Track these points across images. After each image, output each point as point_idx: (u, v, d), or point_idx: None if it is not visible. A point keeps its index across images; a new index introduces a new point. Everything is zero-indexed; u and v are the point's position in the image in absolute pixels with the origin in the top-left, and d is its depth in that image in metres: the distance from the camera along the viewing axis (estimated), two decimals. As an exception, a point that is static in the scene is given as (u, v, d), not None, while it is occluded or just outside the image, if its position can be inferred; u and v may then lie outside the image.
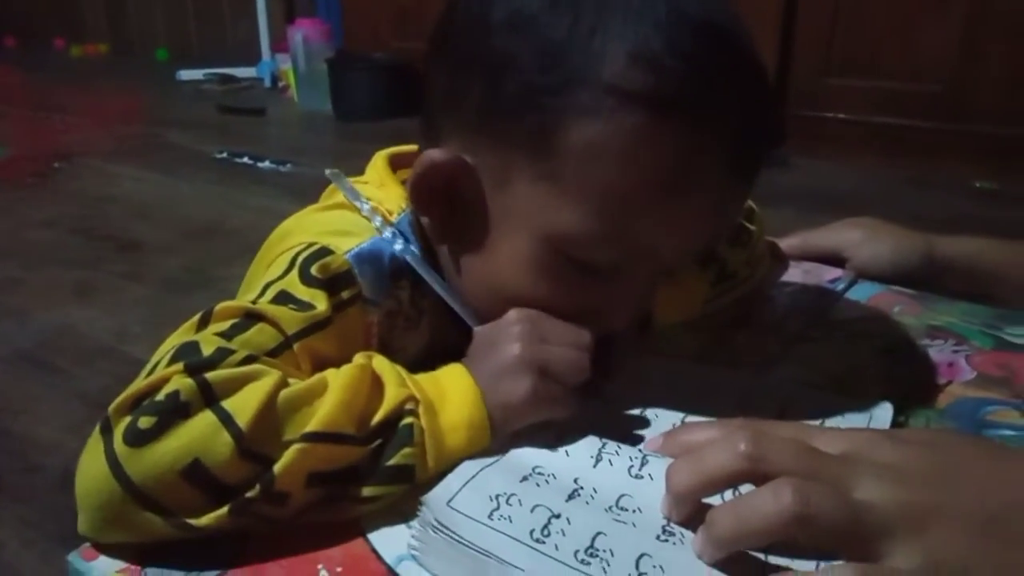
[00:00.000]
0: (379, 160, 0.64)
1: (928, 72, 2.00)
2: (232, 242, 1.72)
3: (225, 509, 0.42)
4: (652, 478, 0.48)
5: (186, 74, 3.32)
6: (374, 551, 0.44)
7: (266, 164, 2.22)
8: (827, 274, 0.78)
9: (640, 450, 0.50)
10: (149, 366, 0.47)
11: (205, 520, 0.43)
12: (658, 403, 0.56)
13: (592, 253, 0.52)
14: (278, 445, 0.44)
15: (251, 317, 0.50)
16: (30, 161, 2.24)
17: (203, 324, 0.50)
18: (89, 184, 2.12)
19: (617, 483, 0.48)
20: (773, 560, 0.42)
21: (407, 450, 0.47)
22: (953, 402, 0.59)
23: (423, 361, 0.54)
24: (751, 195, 0.56)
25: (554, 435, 0.51)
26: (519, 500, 0.46)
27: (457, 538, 0.43)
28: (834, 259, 0.81)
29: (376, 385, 0.49)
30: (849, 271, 0.79)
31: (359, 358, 0.50)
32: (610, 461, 0.50)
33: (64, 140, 2.41)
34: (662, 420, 0.55)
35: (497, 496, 0.46)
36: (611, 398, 0.56)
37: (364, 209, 0.57)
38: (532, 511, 0.45)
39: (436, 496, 0.46)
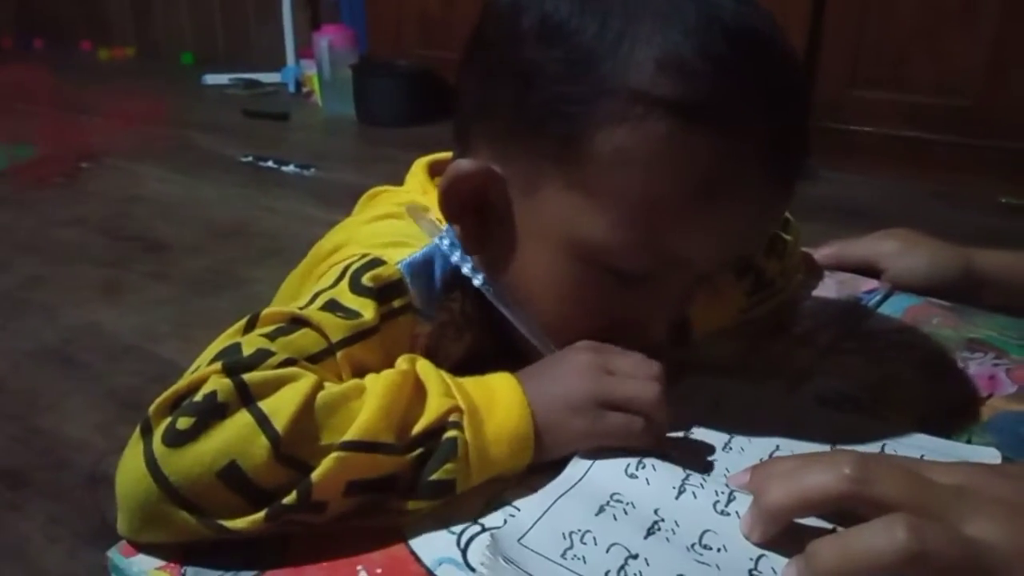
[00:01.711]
0: (419, 168, 0.64)
1: (955, 86, 1.99)
2: (257, 244, 1.73)
3: (261, 515, 0.42)
4: (739, 516, 0.45)
5: (211, 78, 3.34)
6: (414, 554, 0.44)
7: (290, 168, 2.23)
8: (863, 285, 0.78)
9: (727, 484, 0.48)
10: (193, 367, 0.47)
11: (241, 523, 0.42)
12: (706, 425, 0.55)
13: (623, 262, 0.51)
14: (316, 450, 0.43)
15: (296, 322, 0.49)
16: (57, 161, 2.26)
17: (249, 328, 0.50)
18: (115, 184, 2.14)
19: (701, 518, 0.45)
20: None
21: (450, 465, 0.46)
22: (995, 416, 0.58)
23: (460, 366, 0.54)
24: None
25: (635, 462, 0.49)
26: (594, 538, 0.43)
27: (527, 574, 0.41)
28: (870, 270, 0.80)
29: (418, 391, 0.48)
30: (885, 283, 0.78)
31: (402, 362, 0.50)
32: (694, 494, 0.47)
33: (91, 141, 2.43)
34: (714, 443, 0.53)
35: (571, 533, 0.44)
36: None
37: (443, 246, 0.56)
38: (608, 551, 0.43)
39: (507, 532, 0.44)
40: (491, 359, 0.54)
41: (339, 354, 0.49)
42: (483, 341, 0.59)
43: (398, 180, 0.65)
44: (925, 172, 2.03)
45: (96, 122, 2.66)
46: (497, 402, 0.49)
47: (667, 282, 0.53)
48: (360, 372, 0.50)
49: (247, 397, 0.43)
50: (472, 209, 0.54)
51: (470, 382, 0.50)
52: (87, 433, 1.08)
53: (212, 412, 0.43)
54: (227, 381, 0.43)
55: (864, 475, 0.40)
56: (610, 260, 0.51)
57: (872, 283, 0.78)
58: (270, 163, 2.27)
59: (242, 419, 0.43)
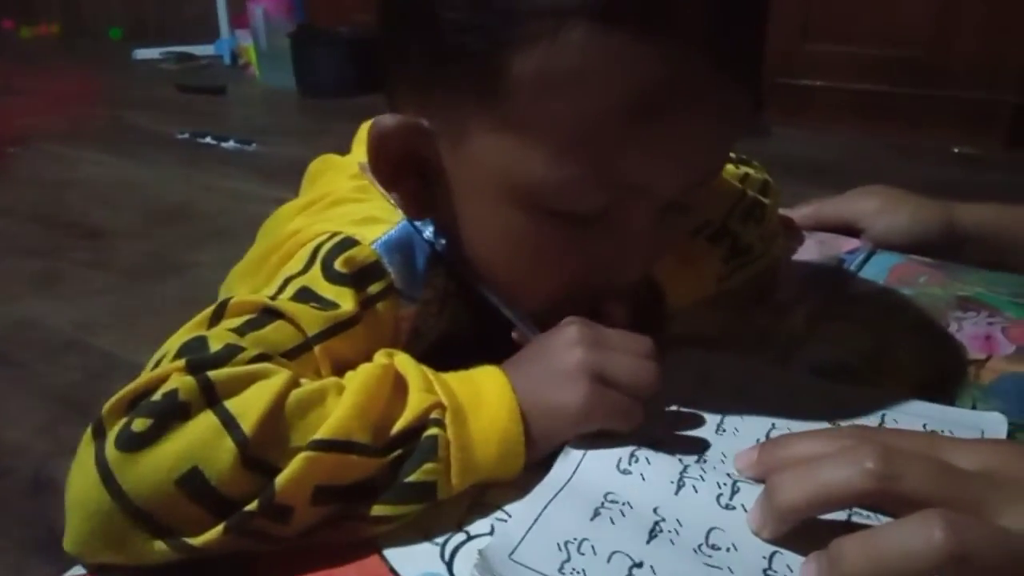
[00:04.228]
0: (366, 133, 0.59)
1: (906, 36, 1.97)
2: (200, 226, 1.65)
3: (221, 527, 0.38)
4: (745, 509, 0.41)
5: (142, 53, 3.21)
6: (391, 569, 0.40)
7: (231, 144, 2.14)
8: (844, 245, 0.75)
9: (728, 474, 0.44)
10: (151, 363, 0.42)
11: (203, 539, 0.38)
12: (695, 403, 0.51)
13: (570, 202, 0.46)
14: (284, 453, 0.39)
15: (268, 313, 0.45)
16: (-18, 146, 2.15)
17: (215, 319, 0.45)
18: (46, 169, 2.04)
19: (705, 515, 0.41)
20: None
21: (429, 465, 0.41)
22: (997, 379, 0.55)
23: (435, 349, 0.50)
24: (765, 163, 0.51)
25: (627, 456, 0.45)
26: (592, 547, 0.39)
27: None
28: (849, 230, 0.77)
29: (399, 388, 0.43)
30: (866, 241, 0.75)
31: (380, 357, 0.45)
32: (694, 487, 0.43)
33: (18, 124, 2.32)
34: (706, 423, 0.49)
35: (567, 543, 0.39)
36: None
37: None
38: (609, 560, 0.38)
39: (496, 547, 0.39)
40: (467, 342, 0.49)
41: (317, 348, 0.45)
42: (461, 314, 0.55)
43: (345, 152, 0.60)
44: (880, 125, 2.01)
45: (23, 104, 2.54)
46: (483, 398, 0.44)
47: (627, 218, 0.47)
48: (340, 366, 0.45)
49: (212, 396, 0.39)
50: (409, 170, 0.49)
51: (454, 377, 0.45)
52: (27, 436, 1.01)
53: (173, 413, 0.38)
54: (190, 379, 0.39)
55: (889, 469, 0.36)
56: (555, 202, 0.46)
57: (853, 243, 0.75)
58: (208, 139, 2.18)
59: (206, 420, 0.38)
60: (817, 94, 2.11)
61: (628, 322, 0.50)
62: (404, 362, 0.45)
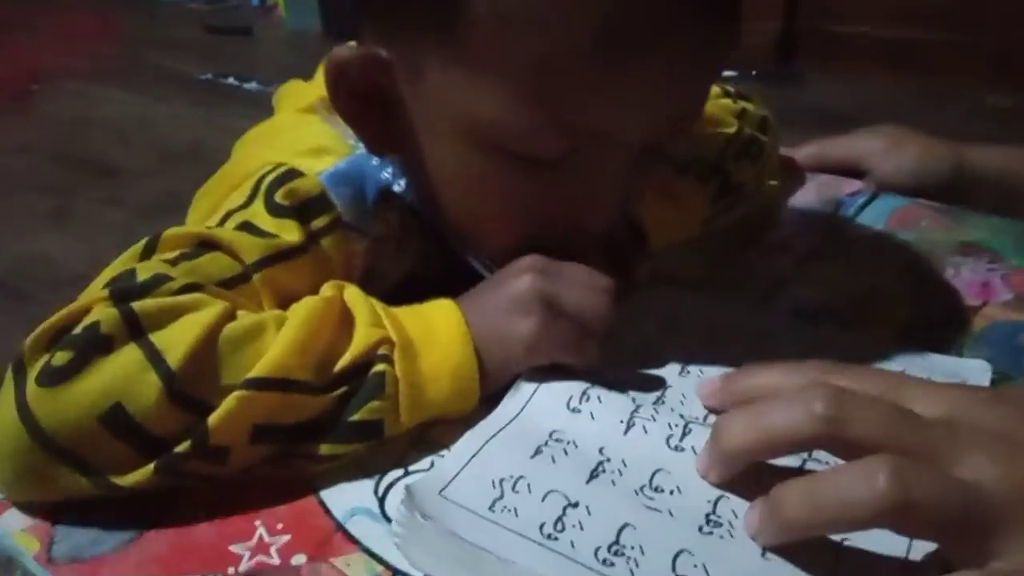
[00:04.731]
0: None
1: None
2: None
3: (151, 467, 0.36)
4: (695, 452, 0.39)
5: (171, -7, 3.19)
6: (323, 506, 0.38)
7: (252, 85, 2.13)
8: (845, 187, 0.71)
9: (682, 415, 0.41)
10: (81, 297, 0.41)
11: (130, 478, 0.36)
12: (661, 345, 0.48)
13: (531, 144, 0.43)
14: (218, 390, 0.37)
15: (205, 245, 0.43)
16: (6, 84, 2.16)
17: (148, 252, 0.43)
18: (67, 107, 2.04)
19: (651, 456, 0.39)
20: (848, 543, 0.34)
21: (376, 403, 0.39)
22: (989, 326, 0.52)
23: (402, 290, 0.47)
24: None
25: (579, 393, 0.43)
26: (528, 485, 0.37)
27: (450, 531, 0.35)
28: (853, 171, 0.73)
29: (345, 322, 0.41)
30: (870, 183, 0.71)
31: (327, 289, 0.43)
32: (644, 428, 0.41)
33: (43, 62, 2.32)
34: (668, 366, 0.47)
35: (501, 481, 0.37)
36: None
37: (362, 149, 0.49)
38: (544, 499, 0.36)
39: (426, 483, 0.37)
40: (439, 283, 0.47)
41: (256, 277, 0.43)
42: (428, 255, 0.52)
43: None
44: (911, 73, 1.94)
45: (48, 43, 2.54)
46: (435, 333, 0.42)
47: (595, 163, 0.44)
48: (285, 300, 0.43)
49: (137, 328, 0.37)
50: (370, 104, 0.47)
51: (405, 312, 0.43)
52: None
53: (94, 346, 0.36)
54: (113, 311, 0.37)
55: (839, 413, 0.33)
56: (516, 145, 0.43)
57: (855, 184, 0.71)
58: (231, 80, 2.16)
59: (130, 354, 0.36)
60: (847, 41, 2.03)
61: (598, 266, 0.48)
62: (353, 295, 0.43)
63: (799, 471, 0.38)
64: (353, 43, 0.47)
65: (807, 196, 0.70)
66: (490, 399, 0.43)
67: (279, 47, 2.69)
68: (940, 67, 1.92)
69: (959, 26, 1.89)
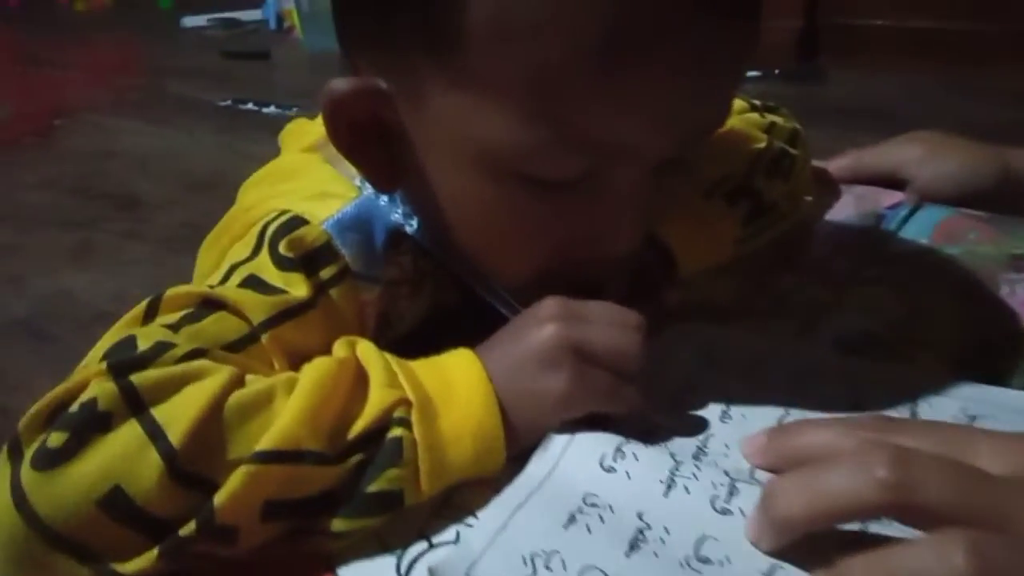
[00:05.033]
0: None
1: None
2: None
3: (155, 552, 0.34)
4: (744, 514, 0.36)
5: (190, 21, 3.21)
6: (341, 583, 0.36)
7: (271, 109, 2.12)
8: (885, 199, 0.67)
9: (726, 472, 0.38)
10: (81, 367, 0.39)
11: (133, 565, 0.34)
12: (698, 384, 0.46)
13: (543, 164, 0.41)
14: (223, 466, 0.35)
15: (209, 305, 0.41)
16: (29, 120, 2.17)
17: (150, 315, 0.41)
18: (89, 141, 2.05)
19: (696, 521, 0.36)
20: None
21: (394, 471, 0.36)
22: (1052, 351, 0.49)
23: (420, 329, 0.45)
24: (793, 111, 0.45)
25: (613, 450, 0.40)
26: (563, 561, 0.34)
27: None
28: (892, 181, 0.70)
29: (359, 384, 0.39)
30: (911, 194, 0.68)
31: (339, 347, 0.41)
32: (686, 487, 0.38)
33: (65, 97, 2.34)
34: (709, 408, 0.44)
35: (534, 557, 0.34)
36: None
37: (368, 190, 0.47)
38: None
39: (451, 563, 0.34)
40: (456, 319, 0.45)
41: (265, 338, 0.40)
42: (445, 295, 0.50)
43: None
44: (941, 64, 1.88)
45: (71, 77, 2.56)
46: (454, 388, 0.39)
47: (612, 182, 0.42)
48: (298, 357, 0.41)
49: (137, 403, 0.35)
50: (371, 138, 0.44)
51: (422, 366, 0.40)
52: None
53: (92, 424, 0.34)
54: (111, 385, 0.35)
55: (904, 478, 0.30)
56: (527, 166, 0.41)
57: (896, 196, 0.68)
58: (250, 106, 2.16)
59: (129, 432, 0.34)
60: (872, 33, 1.98)
61: (624, 296, 0.45)
62: (366, 352, 0.41)
63: (860, 536, 0.34)
64: (347, 78, 0.45)
65: (845, 210, 0.67)
66: (523, 455, 0.40)
67: (297, 70, 2.70)
68: (964, 56, 1.86)
69: (983, 13, 1.84)
